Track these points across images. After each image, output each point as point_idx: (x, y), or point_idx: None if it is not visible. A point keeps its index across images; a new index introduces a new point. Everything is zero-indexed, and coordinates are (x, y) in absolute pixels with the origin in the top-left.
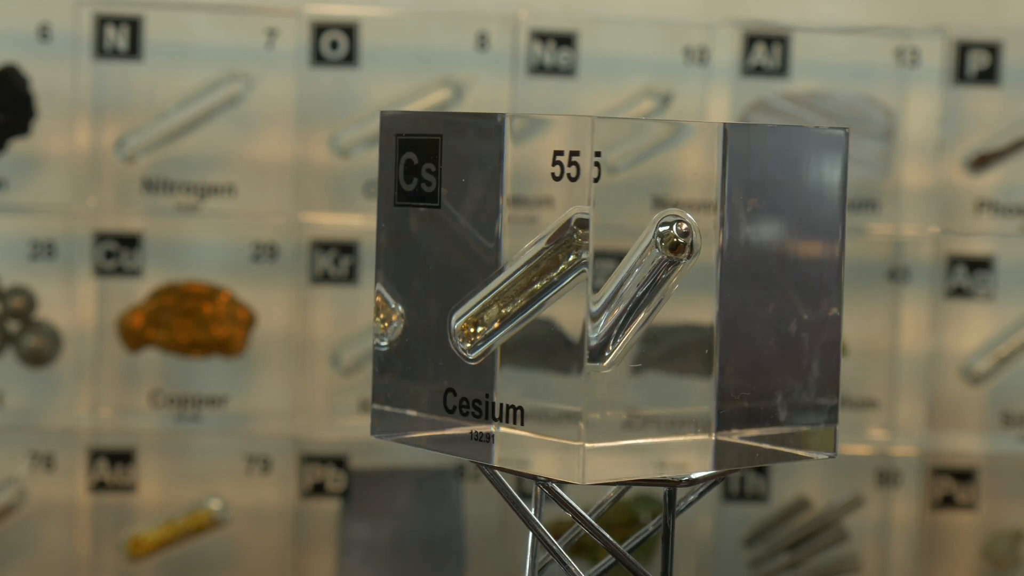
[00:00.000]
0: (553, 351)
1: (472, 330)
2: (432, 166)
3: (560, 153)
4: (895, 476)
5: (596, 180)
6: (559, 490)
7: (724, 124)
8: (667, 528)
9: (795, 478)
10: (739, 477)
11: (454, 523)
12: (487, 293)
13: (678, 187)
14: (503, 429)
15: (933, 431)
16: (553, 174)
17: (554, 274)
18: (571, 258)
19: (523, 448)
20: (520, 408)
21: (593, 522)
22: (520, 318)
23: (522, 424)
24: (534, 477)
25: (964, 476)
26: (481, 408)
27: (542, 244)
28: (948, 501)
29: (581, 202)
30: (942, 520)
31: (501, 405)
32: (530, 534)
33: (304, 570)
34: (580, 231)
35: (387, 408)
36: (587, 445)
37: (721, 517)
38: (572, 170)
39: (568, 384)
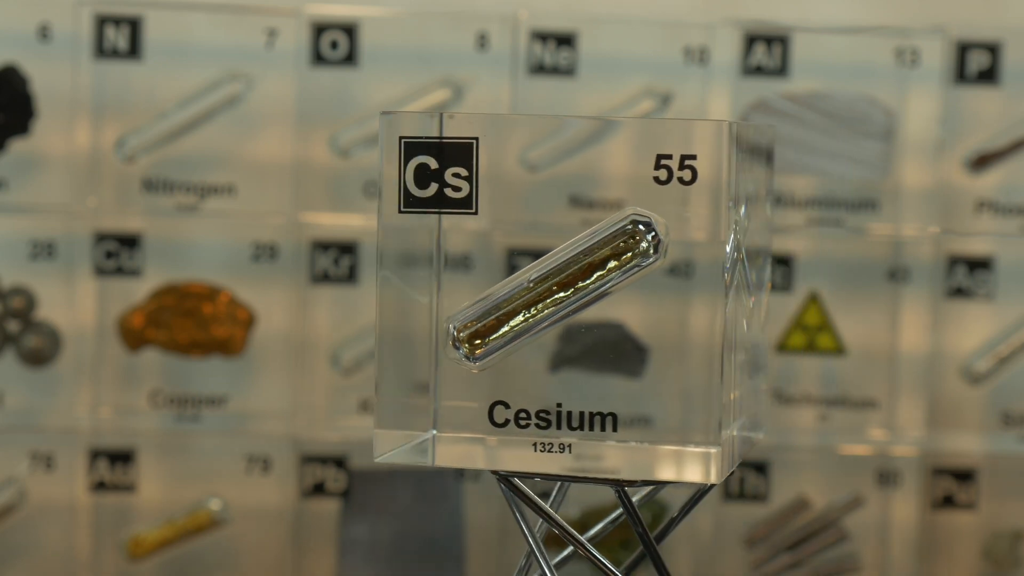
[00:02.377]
0: (623, 355)
1: (480, 340)
2: (464, 170)
3: (667, 157)
4: (895, 476)
5: (690, 183)
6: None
7: (730, 122)
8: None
9: (795, 478)
10: (738, 477)
11: (454, 523)
12: (507, 297)
13: (600, 186)
14: (576, 439)
15: (933, 431)
16: (657, 178)
17: (596, 276)
18: (627, 257)
19: (604, 454)
20: (611, 415)
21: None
22: (548, 322)
23: (615, 430)
24: (612, 482)
25: (964, 476)
26: (550, 418)
27: (589, 245)
28: (948, 501)
29: (698, 204)
30: (942, 520)
31: (582, 414)
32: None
33: (304, 570)
34: (639, 230)
35: (405, 431)
36: (721, 434)
37: (721, 517)
38: (685, 174)
39: (646, 387)
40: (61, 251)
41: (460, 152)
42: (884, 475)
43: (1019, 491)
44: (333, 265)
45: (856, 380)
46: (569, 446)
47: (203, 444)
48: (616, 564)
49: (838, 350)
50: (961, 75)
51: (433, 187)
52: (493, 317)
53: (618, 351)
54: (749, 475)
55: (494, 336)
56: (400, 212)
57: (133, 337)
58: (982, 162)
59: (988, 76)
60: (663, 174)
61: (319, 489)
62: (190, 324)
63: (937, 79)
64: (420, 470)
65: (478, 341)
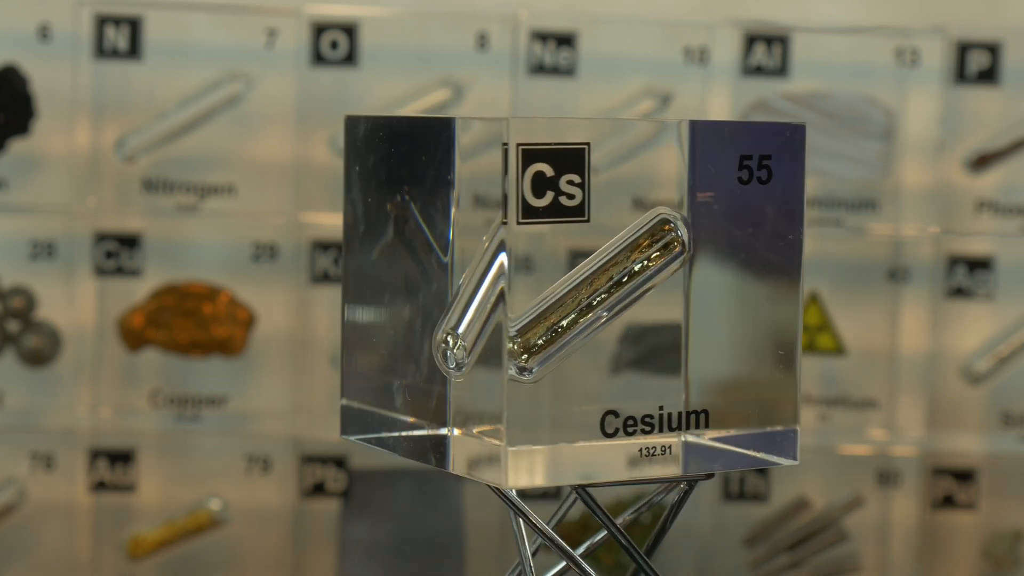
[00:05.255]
0: (667, 355)
1: (535, 351)
2: (577, 177)
3: (748, 158)
4: (895, 476)
5: (766, 182)
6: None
7: (690, 121)
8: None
9: (795, 478)
10: (739, 477)
11: (454, 523)
12: (548, 305)
13: (656, 187)
14: (691, 438)
15: (933, 431)
16: (740, 178)
17: (628, 278)
18: (656, 256)
19: (687, 451)
20: (704, 412)
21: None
22: (595, 324)
23: (707, 426)
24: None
25: (964, 476)
26: (653, 422)
27: (625, 246)
28: (948, 501)
29: (780, 202)
30: (942, 520)
31: (680, 414)
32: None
33: (304, 570)
34: (668, 227)
35: (542, 446)
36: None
37: (721, 517)
38: (763, 173)
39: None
40: (61, 251)
41: (573, 158)
42: (884, 475)
43: (1019, 491)
44: (333, 265)
45: (856, 380)
46: (669, 447)
47: (203, 444)
48: (619, 567)
49: (838, 350)
50: (961, 75)
51: (549, 195)
52: (541, 327)
53: (679, 352)
54: (749, 475)
55: (545, 346)
56: (519, 224)
57: (133, 337)
58: (982, 162)
59: (988, 76)
60: (745, 174)
61: (319, 489)
62: (190, 324)
63: (937, 79)
64: (420, 470)
65: (533, 351)
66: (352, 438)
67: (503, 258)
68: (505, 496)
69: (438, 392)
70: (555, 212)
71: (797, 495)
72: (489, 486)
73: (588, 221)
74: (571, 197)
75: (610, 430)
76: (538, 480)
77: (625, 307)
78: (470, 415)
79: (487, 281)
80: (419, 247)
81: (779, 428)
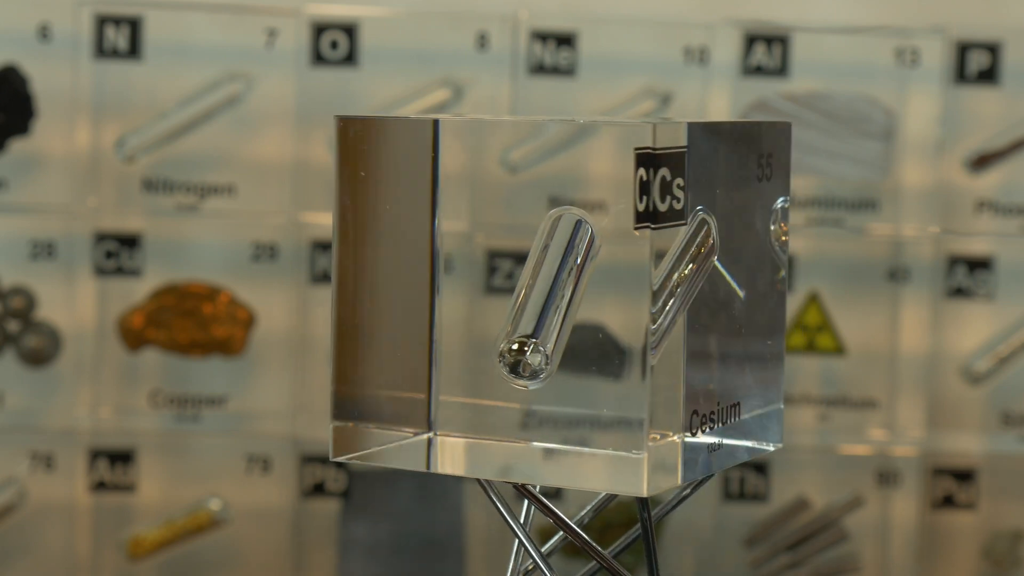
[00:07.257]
0: (605, 356)
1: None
2: (681, 180)
3: (761, 155)
4: (895, 476)
5: (770, 179)
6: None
7: (709, 121)
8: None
9: (795, 478)
10: (739, 476)
11: (454, 523)
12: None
13: (582, 188)
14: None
15: (933, 431)
16: (757, 175)
17: (687, 271)
18: (703, 253)
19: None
20: (737, 404)
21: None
22: (669, 326)
23: (738, 418)
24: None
25: (964, 476)
26: (715, 418)
27: (681, 249)
28: (948, 501)
29: (773, 197)
30: (942, 520)
31: (729, 407)
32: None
33: (304, 570)
34: (706, 228)
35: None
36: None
37: (721, 517)
38: (768, 171)
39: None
40: (61, 251)
41: (679, 162)
42: (884, 475)
43: (1019, 491)
44: None
45: (856, 380)
46: (721, 444)
47: (203, 444)
48: (619, 562)
49: (838, 350)
50: (961, 75)
51: (668, 200)
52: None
53: (601, 351)
54: (749, 475)
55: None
56: (653, 229)
57: (133, 337)
58: (982, 162)
59: (988, 76)
60: (760, 172)
61: (319, 489)
62: (190, 324)
63: (937, 79)
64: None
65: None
66: (343, 458)
67: (631, 261)
68: (523, 488)
69: (426, 400)
70: (670, 216)
71: (797, 495)
72: (479, 480)
73: (686, 224)
74: (678, 200)
75: (694, 429)
76: (674, 480)
77: (683, 308)
78: (538, 421)
79: (572, 284)
80: (410, 251)
81: (770, 410)
